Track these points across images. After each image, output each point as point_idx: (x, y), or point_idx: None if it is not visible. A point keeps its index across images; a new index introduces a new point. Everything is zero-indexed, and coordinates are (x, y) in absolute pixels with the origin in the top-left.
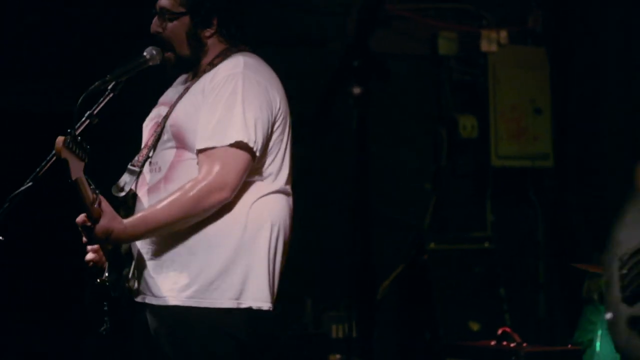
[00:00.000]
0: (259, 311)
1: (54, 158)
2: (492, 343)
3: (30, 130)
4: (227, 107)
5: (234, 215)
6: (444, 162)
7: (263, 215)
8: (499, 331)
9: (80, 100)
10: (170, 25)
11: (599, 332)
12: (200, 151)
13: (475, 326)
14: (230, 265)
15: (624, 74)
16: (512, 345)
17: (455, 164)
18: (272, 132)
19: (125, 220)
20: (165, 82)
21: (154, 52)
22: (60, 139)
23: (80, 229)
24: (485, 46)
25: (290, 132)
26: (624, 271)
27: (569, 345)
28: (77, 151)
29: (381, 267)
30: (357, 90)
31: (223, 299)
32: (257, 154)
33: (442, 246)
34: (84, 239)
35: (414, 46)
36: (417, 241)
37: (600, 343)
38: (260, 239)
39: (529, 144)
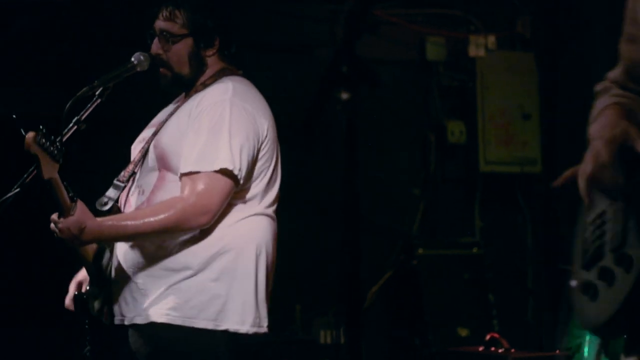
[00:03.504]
0: (238, 333)
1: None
2: (481, 349)
3: (17, 135)
4: (214, 133)
5: (216, 238)
6: (432, 167)
7: (244, 237)
8: (488, 337)
9: (68, 106)
10: (173, 47)
11: (587, 338)
12: (183, 174)
13: (463, 332)
14: (211, 287)
15: None
16: (500, 350)
17: (444, 170)
18: (257, 159)
19: (101, 219)
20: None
21: (142, 57)
22: (30, 134)
23: (52, 225)
24: (473, 51)
25: (279, 157)
26: (585, 236)
27: (557, 351)
28: (49, 149)
29: (370, 272)
30: (345, 96)
31: (201, 320)
32: (241, 181)
33: (430, 252)
34: (56, 236)
35: (402, 52)
36: (406, 247)
37: (589, 348)
38: (243, 261)
39: (518, 149)
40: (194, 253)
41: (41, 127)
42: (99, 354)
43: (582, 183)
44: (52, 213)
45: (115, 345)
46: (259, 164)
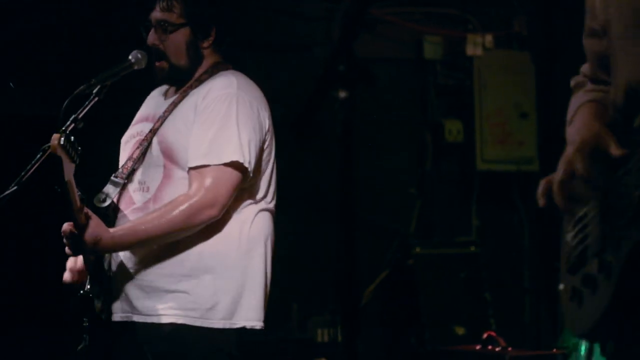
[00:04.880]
0: (251, 329)
1: (39, 162)
2: (478, 347)
3: (14, 134)
4: (222, 126)
5: (227, 235)
6: (429, 166)
7: (255, 234)
8: (484, 335)
9: (65, 104)
10: (170, 37)
11: None
12: (192, 168)
13: (460, 330)
14: (224, 285)
15: None
16: (497, 349)
17: (441, 169)
18: (262, 152)
19: (113, 229)
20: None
21: (139, 55)
22: (56, 136)
23: (65, 239)
24: (470, 50)
25: (275, 150)
26: (567, 240)
27: (554, 350)
28: (69, 151)
29: (366, 271)
30: (342, 95)
31: (216, 319)
32: (250, 174)
33: (427, 251)
34: (68, 250)
35: (400, 50)
36: (403, 245)
37: (585, 347)
38: (254, 258)
39: (515, 148)
40: (207, 250)
41: (63, 128)
42: (95, 352)
43: (556, 190)
44: (52, 212)
45: (112, 343)
46: (262, 157)
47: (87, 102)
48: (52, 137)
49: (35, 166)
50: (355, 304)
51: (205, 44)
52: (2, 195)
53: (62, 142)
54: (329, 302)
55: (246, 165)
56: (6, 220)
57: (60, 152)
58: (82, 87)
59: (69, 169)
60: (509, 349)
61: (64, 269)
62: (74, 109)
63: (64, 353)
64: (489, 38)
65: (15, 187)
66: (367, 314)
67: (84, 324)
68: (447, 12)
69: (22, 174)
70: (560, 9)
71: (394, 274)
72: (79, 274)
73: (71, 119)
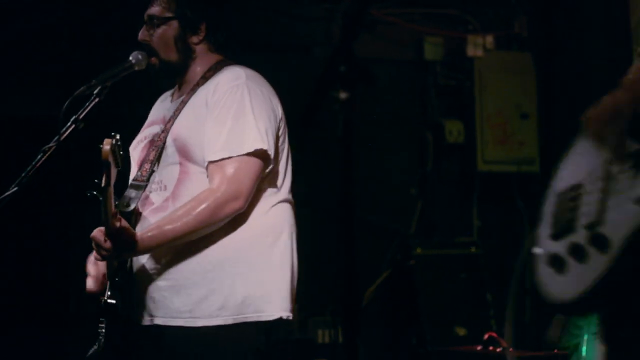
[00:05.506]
0: (281, 319)
1: (40, 162)
2: (479, 348)
3: (14, 134)
4: (237, 117)
5: (251, 227)
6: (430, 167)
7: (279, 224)
8: (486, 336)
9: (66, 105)
10: (158, 31)
11: (585, 337)
12: (212, 162)
13: (461, 331)
14: (254, 278)
15: (609, 78)
16: (498, 350)
17: (441, 169)
18: (277, 140)
19: (140, 232)
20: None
21: (140, 56)
22: (107, 141)
23: (94, 245)
24: (471, 51)
25: (287, 138)
26: (556, 206)
27: (555, 350)
28: (117, 157)
29: (367, 272)
30: (342, 96)
31: (251, 314)
32: (271, 162)
33: (428, 251)
34: (96, 255)
35: (400, 51)
36: (403, 246)
37: (586, 348)
38: (280, 247)
39: (515, 148)
40: (230, 244)
41: (113, 133)
42: (108, 355)
43: (595, 124)
44: (52, 213)
45: (129, 347)
46: (278, 144)
47: (87, 103)
48: (104, 142)
49: (36, 167)
50: (355, 305)
51: (196, 40)
52: (2, 196)
53: (114, 148)
54: (330, 302)
55: (269, 152)
56: (6, 220)
57: (111, 158)
58: (82, 87)
59: (114, 174)
60: (510, 349)
61: (64, 269)
62: (74, 109)
63: (64, 353)
64: (489, 39)
65: (15, 188)
66: (367, 315)
67: (100, 329)
68: (447, 13)
69: (23, 174)
70: (560, 9)
71: (395, 275)
72: (102, 281)
73: (72, 119)
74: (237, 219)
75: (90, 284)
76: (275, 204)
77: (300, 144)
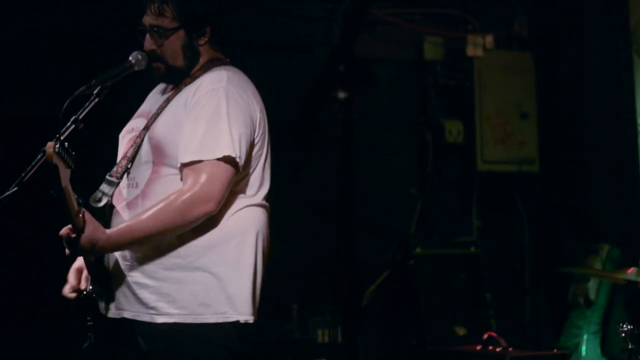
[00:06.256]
0: (245, 323)
1: (40, 162)
2: (478, 348)
3: (14, 134)
4: (213, 121)
5: (218, 230)
6: (429, 167)
7: (245, 226)
8: (485, 336)
9: (65, 105)
10: (166, 42)
11: (585, 337)
12: (184, 165)
13: (461, 331)
14: (216, 279)
15: (609, 79)
16: (498, 349)
17: (441, 169)
18: (253, 146)
19: (109, 230)
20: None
21: (140, 56)
22: (50, 144)
23: (64, 242)
24: (471, 51)
25: (269, 145)
26: None
27: (555, 350)
28: (65, 157)
29: (367, 272)
30: (342, 95)
31: (211, 315)
32: (240, 169)
33: (428, 251)
34: (67, 252)
35: (400, 51)
36: (403, 246)
37: (586, 347)
38: (243, 251)
39: (515, 148)
40: (195, 245)
41: (57, 135)
42: (100, 349)
43: None
44: (52, 213)
45: (116, 340)
46: (253, 152)
47: (87, 103)
48: (47, 145)
49: (36, 167)
50: (355, 305)
51: (202, 42)
52: (2, 196)
53: (57, 150)
54: (330, 302)
55: (237, 160)
56: (6, 220)
57: (56, 159)
58: (82, 88)
59: (65, 175)
60: (510, 349)
61: (63, 270)
62: (74, 109)
63: (64, 353)
64: (489, 39)
65: (15, 188)
66: (367, 315)
67: (88, 323)
68: (447, 13)
69: (23, 175)
70: (560, 9)
71: (395, 275)
72: (78, 291)
73: (72, 119)
74: (207, 222)
75: (66, 290)
76: (243, 208)
77: (300, 144)
